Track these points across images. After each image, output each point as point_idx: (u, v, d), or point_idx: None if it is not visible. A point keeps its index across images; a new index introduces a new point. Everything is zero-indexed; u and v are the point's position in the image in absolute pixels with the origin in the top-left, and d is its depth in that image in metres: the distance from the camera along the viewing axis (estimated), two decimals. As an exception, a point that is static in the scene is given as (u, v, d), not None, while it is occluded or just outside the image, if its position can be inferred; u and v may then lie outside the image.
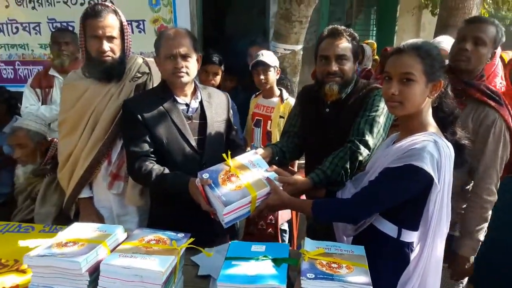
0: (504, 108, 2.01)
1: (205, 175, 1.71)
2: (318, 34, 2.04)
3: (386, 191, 1.48)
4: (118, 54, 2.05)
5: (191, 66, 1.94)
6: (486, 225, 2.06)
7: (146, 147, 1.92)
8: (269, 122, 2.94)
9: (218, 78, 3.01)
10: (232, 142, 2.15)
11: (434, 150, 1.42)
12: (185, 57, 1.91)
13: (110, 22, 2.00)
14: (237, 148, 2.11)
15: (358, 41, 1.97)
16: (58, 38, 3.19)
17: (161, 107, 1.95)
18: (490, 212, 2.04)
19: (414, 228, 1.53)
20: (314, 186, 1.81)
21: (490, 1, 6.93)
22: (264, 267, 1.36)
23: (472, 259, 2.08)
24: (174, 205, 1.92)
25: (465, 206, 2.11)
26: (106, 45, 1.99)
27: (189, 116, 2.00)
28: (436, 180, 1.41)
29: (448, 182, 1.47)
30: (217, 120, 2.07)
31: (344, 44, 1.90)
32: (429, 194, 1.46)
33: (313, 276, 1.29)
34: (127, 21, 2.11)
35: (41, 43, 4.45)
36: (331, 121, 1.98)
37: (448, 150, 1.47)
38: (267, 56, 2.94)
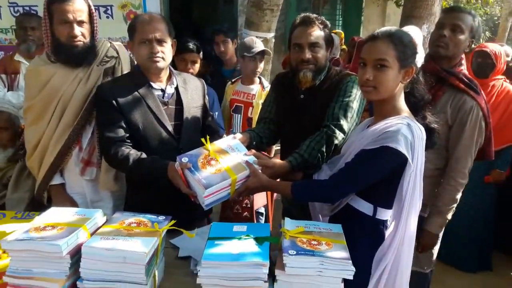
0: (480, 97, 2.11)
1: (185, 159, 1.71)
2: (287, 24, 2.08)
3: (362, 171, 1.54)
4: (88, 38, 2.00)
5: (167, 51, 1.93)
6: (455, 205, 2.19)
7: (121, 132, 1.90)
8: (251, 108, 2.94)
9: (196, 67, 2.95)
10: (208, 128, 2.16)
11: (407, 132, 1.49)
12: (160, 42, 1.89)
13: (79, 6, 1.95)
14: (214, 134, 2.12)
15: (329, 28, 2.02)
16: (24, 22, 3.07)
17: (136, 92, 1.92)
18: (460, 194, 2.17)
19: (389, 206, 1.60)
20: (291, 169, 1.85)
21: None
22: (247, 245, 1.39)
23: (439, 235, 2.23)
24: (151, 190, 1.91)
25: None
26: (77, 30, 1.94)
27: (165, 101, 1.99)
28: (410, 160, 1.48)
29: (420, 162, 1.54)
30: (193, 106, 2.06)
31: (317, 32, 1.95)
32: (403, 173, 1.53)
33: (295, 252, 1.33)
34: (94, 6, 2.06)
35: (1, 28, 4.27)
36: (305, 107, 2.03)
37: (420, 132, 1.54)
38: (261, 45, 2.95)
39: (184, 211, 1.91)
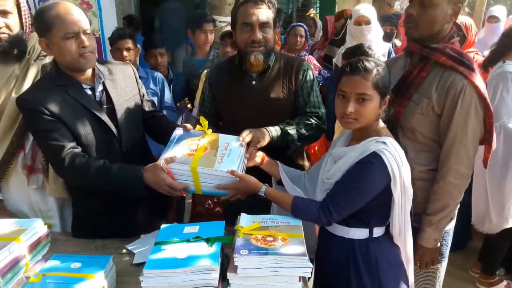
0: (475, 73, 1.69)
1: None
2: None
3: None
4: (15, 30, 1.80)
5: (94, 44, 1.67)
6: (451, 214, 1.78)
7: (68, 137, 1.61)
8: None
9: (132, 53, 2.78)
10: (151, 114, 1.94)
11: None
12: (86, 32, 1.62)
13: None
14: (159, 117, 1.97)
15: (276, 8, 1.91)
16: None
17: (67, 96, 1.63)
18: (458, 199, 1.76)
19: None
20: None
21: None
22: (196, 248, 1.28)
23: (435, 249, 1.79)
24: (100, 197, 1.70)
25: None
26: (0, 21, 1.75)
27: (100, 101, 1.71)
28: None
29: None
30: (125, 98, 1.79)
31: (267, 11, 1.82)
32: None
33: (247, 252, 1.24)
34: (40, -3, 1.89)
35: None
36: (260, 93, 1.90)
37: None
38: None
39: (143, 213, 1.82)
